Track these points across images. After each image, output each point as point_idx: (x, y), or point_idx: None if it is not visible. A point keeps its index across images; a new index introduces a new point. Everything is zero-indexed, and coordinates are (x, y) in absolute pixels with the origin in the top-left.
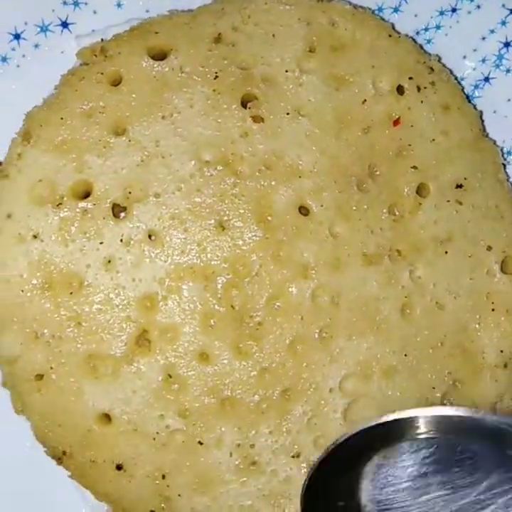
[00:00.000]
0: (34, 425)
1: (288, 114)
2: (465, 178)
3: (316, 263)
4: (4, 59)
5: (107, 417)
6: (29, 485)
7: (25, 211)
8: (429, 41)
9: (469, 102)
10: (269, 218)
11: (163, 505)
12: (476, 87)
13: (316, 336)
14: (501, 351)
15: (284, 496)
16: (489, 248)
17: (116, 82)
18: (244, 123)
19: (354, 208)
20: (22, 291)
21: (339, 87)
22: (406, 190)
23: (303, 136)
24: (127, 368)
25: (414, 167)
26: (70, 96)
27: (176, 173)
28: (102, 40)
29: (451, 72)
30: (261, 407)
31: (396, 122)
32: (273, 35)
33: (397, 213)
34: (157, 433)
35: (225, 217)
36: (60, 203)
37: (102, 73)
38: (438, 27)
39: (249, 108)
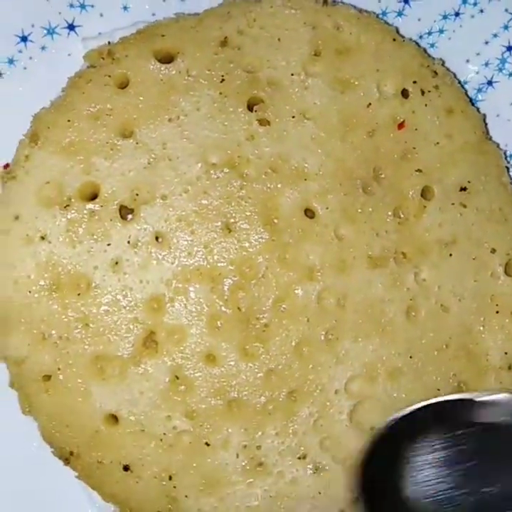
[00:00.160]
0: (41, 426)
1: (294, 117)
2: (469, 181)
3: (322, 265)
4: (11, 61)
5: (114, 418)
6: (36, 485)
7: (32, 213)
8: (432, 45)
9: (473, 105)
10: (275, 221)
11: (169, 506)
12: (479, 90)
13: (322, 337)
14: (506, 353)
15: (291, 498)
16: (493, 251)
17: (123, 85)
18: (251, 126)
19: (359, 210)
20: (29, 292)
21: (344, 90)
22: (411, 193)
23: (308, 139)
24: (134, 369)
25: (419, 170)
26: (77, 98)
27: (182, 175)
28: (109, 42)
29: (454, 75)
30: (267, 409)
31: (401, 125)
32: (279, 39)
33: (402, 216)
34: (164, 434)
35: (232, 220)
36: (68, 205)
37: (109, 76)
38: (441, 31)
39: (256, 111)
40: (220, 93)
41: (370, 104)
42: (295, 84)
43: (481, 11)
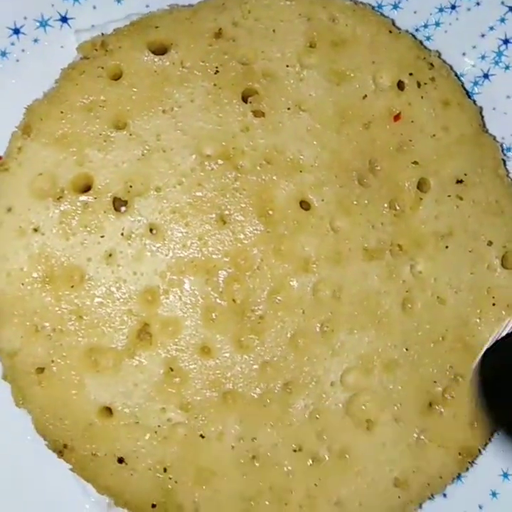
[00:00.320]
0: (35, 418)
1: (289, 108)
2: (465, 174)
3: (317, 257)
4: (4, 53)
5: (108, 411)
6: (30, 478)
7: (25, 204)
8: (428, 38)
9: (469, 98)
10: (270, 212)
11: (164, 498)
12: (476, 83)
13: (318, 329)
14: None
15: (286, 490)
16: (490, 243)
17: (116, 77)
18: (245, 117)
19: (355, 202)
20: (23, 284)
21: (340, 82)
22: (407, 185)
23: (304, 130)
24: (128, 361)
25: (415, 162)
26: (70, 90)
27: (177, 167)
28: (102, 34)
29: (451, 68)
30: (262, 401)
31: (397, 117)
32: (273, 31)
33: (397, 208)
34: (159, 426)
35: (226, 212)
36: (61, 197)
37: (102, 67)
38: (437, 24)
39: (250, 103)
40: (215, 84)
41: (365, 96)
42: (290, 75)
43: (478, 3)
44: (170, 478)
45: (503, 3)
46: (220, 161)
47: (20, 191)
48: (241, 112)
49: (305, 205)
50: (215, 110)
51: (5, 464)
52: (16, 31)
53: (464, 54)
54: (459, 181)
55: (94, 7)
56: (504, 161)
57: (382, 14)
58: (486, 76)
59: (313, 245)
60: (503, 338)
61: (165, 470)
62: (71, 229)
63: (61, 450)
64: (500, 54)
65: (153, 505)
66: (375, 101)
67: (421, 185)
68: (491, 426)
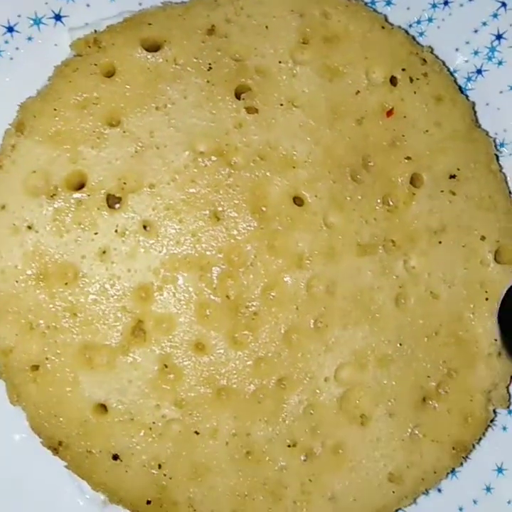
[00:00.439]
0: (30, 416)
1: (282, 105)
2: (458, 169)
3: (311, 253)
4: None
5: (102, 407)
6: (25, 475)
7: (19, 202)
8: (421, 34)
9: (462, 94)
10: (264, 208)
11: (159, 494)
12: (469, 79)
13: (311, 325)
14: (495, 340)
15: (281, 485)
16: (483, 238)
17: (109, 74)
18: (239, 114)
19: (348, 198)
20: (17, 282)
21: (333, 78)
22: (400, 180)
23: (297, 126)
24: (123, 358)
25: (408, 157)
26: (63, 87)
27: (170, 163)
28: (95, 31)
29: (443, 64)
30: (257, 397)
31: (389, 113)
32: (266, 27)
33: (391, 203)
34: (153, 423)
35: (220, 208)
36: (55, 194)
37: (95, 64)
38: (430, 20)
39: (243, 99)
40: (208, 81)
41: (358, 91)
42: (283, 72)
43: None
44: (165, 475)
45: None
46: (213, 158)
47: (14, 189)
48: (234, 108)
49: (298, 201)
50: (208, 107)
51: (0, 462)
52: (10, 29)
53: (456, 49)
54: (452, 176)
55: (88, 5)
56: (497, 157)
57: (375, 10)
58: (478, 71)
59: (307, 241)
60: None
61: (160, 466)
62: (65, 226)
63: (56, 447)
64: (493, 49)
65: (148, 502)
66: (368, 96)
67: (414, 181)
68: None
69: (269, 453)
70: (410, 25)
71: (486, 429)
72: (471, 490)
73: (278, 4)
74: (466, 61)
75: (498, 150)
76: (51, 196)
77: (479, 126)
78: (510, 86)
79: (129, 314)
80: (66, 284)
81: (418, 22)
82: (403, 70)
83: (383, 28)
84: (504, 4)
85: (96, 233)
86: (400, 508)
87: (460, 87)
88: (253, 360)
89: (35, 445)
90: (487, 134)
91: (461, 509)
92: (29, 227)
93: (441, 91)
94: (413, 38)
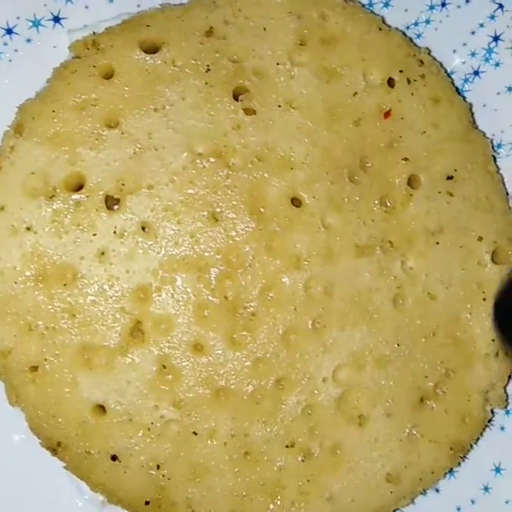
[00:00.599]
0: (28, 416)
1: (279, 106)
2: (455, 170)
3: (309, 254)
4: None
5: (101, 408)
6: (24, 476)
7: (18, 203)
8: (419, 36)
9: (459, 95)
10: (262, 210)
11: (158, 495)
12: (466, 80)
13: (309, 326)
14: (493, 340)
15: (279, 486)
16: (480, 239)
17: (108, 75)
18: (237, 115)
19: (346, 199)
20: (15, 283)
21: (330, 79)
22: (397, 181)
23: (294, 128)
24: (121, 359)
25: (405, 159)
26: (62, 89)
27: (168, 165)
28: (93, 33)
29: (441, 65)
30: (255, 397)
31: (387, 114)
32: (264, 29)
33: (388, 204)
34: (152, 423)
35: (218, 209)
36: (53, 195)
37: (94, 66)
38: (428, 21)
39: (241, 100)
40: (206, 83)
41: (356, 93)
42: (281, 73)
43: (467, 1)
44: (163, 475)
45: (492, 0)
46: (211, 159)
47: (13, 190)
48: (232, 109)
49: (296, 202)
50: (206, 108)
51: None
52: (9, 31)
53: (454, 51)
54: (450, 178)
55: (87, 7)
56: (494, 158)
57: (372, 12)
58: (476, 73)
59: (305, 242)
60: None
61: (158, 467)
62: (63, 227)
63: (55, 448)
64: (490, 51)
65: (147, 502)
66: (366, 98)
67: (411, 182)
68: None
69: (267, 453)
70: (408, 27)
71: (484, 429)
72: (469, 490)
73: (276, 6)
74: (464, 62)
75: (495, 151)
76: (50, 197)
77: (476, 128)
78: (508, 87)
79: (127, 315)
80: (65, 285)
81: (415, 24)
82: (401, 71)
83: (381, 29)
84: (501, 6)
85: (94, 234)
86: (397, 509)
87: (457, 89)
88: (251, 361)
89: (34, 446)
90: (484, 135)
91: (459, 509)
92: (28, 229)
93: (438, 92)
94: (410, 39)
